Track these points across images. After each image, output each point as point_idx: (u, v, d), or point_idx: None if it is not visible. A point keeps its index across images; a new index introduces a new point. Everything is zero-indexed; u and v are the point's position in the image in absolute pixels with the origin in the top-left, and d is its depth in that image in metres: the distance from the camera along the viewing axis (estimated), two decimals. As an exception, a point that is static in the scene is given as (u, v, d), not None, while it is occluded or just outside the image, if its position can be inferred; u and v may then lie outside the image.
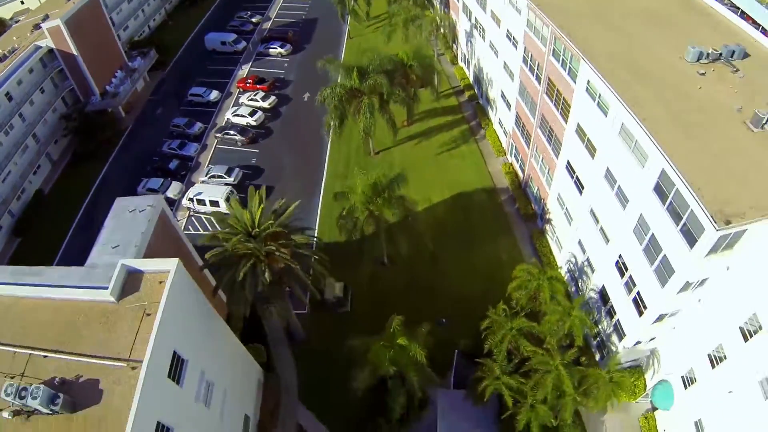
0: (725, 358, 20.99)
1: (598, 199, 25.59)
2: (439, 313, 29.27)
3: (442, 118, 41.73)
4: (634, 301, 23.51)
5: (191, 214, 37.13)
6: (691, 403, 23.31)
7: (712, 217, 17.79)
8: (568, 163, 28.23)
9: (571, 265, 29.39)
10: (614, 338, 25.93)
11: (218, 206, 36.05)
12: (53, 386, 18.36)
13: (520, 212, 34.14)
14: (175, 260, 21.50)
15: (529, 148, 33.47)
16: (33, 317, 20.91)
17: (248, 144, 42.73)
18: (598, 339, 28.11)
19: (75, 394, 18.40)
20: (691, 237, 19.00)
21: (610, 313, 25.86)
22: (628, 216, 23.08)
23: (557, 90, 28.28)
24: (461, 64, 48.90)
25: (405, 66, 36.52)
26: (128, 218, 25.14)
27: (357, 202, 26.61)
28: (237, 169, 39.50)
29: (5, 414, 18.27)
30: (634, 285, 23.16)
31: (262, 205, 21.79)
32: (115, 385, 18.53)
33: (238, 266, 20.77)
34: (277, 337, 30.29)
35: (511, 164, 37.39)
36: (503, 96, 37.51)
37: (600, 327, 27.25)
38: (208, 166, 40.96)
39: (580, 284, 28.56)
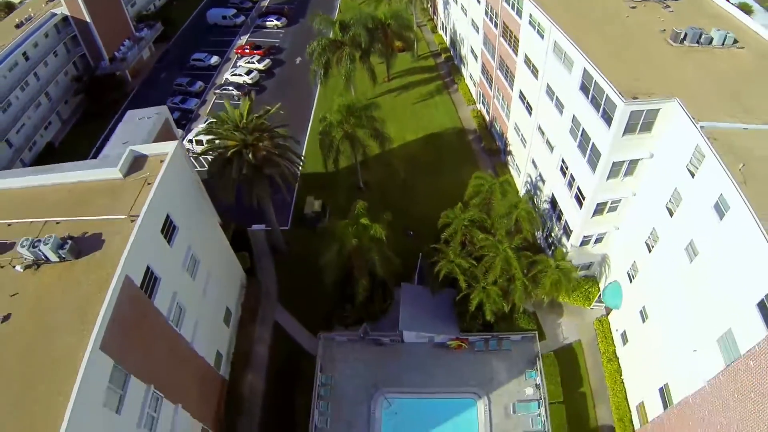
0: (658, 239, 23.76)
1: (543, 114, 29.08)
2: (408, 228, 32.68)
3: (420, 76, 45.57)
4: (576, 197, 26.53)
5: (190, 155, 40.75)
6: (636, 294, 26.02)
7: (620, 93, 21.21)
8: (521, 92, 31.77)
9: (529, 186, 32.59)
10: (564, 241, 28.90)
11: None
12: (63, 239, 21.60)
13: (485, 149, 37.66)
14: (175, 142, 25.01)
15: (491, 89, 37.11)
16: (50, 198, 24.13)
17: (244, 98, 46.71)
18: (552, 249, 31.11)
19: (81, 245, 21.65)
20: (608, 118, 22.26)
21: (560, 217, 28.94)
22: (564, 120, 26.42)
23: (510, 30, 32.08)
24: (440, 31, 53.19)
25: (384, 24, 40.71)
26: (137, 123, 28.83)
27: (333, 119, 30.19)
28: (232, 118, 43.30)
29: (18, 268, 21.40)
30: (574, 180, 26.24)
31: (249, 103, 25.45)
32: (116, 235, 21.64)
33: (227, 150, 24.25)
34: (262, 250, 33.44)
35: (479, 110, 41.05)
36: (472, 50, 41.29)
37: (553, 235, 30.35)
38: (206, 116, 44.80)
39: (536, 201, 31.68)
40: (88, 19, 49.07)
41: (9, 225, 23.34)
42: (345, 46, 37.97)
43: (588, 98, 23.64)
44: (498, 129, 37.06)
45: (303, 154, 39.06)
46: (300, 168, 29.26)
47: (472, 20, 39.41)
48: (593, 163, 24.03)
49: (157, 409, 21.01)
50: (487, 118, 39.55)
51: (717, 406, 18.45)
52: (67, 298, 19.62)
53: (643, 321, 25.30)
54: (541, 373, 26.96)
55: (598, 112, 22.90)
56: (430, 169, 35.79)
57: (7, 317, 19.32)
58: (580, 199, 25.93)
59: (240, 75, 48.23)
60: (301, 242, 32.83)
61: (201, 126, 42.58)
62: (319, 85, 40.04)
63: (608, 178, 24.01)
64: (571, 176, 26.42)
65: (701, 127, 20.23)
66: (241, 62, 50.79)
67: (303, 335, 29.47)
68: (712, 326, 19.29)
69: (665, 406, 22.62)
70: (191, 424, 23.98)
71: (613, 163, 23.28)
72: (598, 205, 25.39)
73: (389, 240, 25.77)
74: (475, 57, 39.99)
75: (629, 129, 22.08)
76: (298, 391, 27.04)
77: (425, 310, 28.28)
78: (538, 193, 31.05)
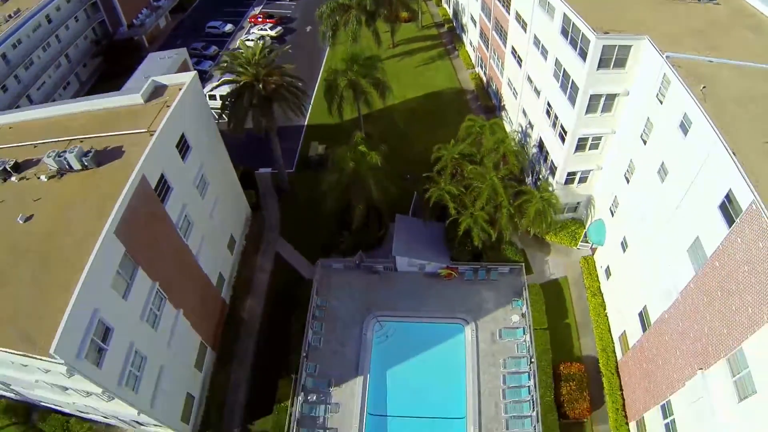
0: (635, 169, 25.91)
1: (531, 63, 31.83)
2: (406, 172, 35.27)
3: (423, 43, 48.66)
4: (560, 135, 28.97)
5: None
6: (617, 226, 28.15)
7: (592, 28, 23.72)
8: (512, 47, 34.60)
9: (520, 135, 35.05)
10: (551, 180, 30.94)
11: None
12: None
13: (482, 106, 40.45)
14: (193, 73, 27.88)
15: (488, 50, 39.94)
16: (76, 123, 26.64)
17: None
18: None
19: (103, 157, 24.33)
20: (584, 54, 24.77)
21: (546, 157, 31.40)
22: (548, 65, 28.94)
23: (502, -10, 35.19)
24: (444, 5, 56.56)
25: (389, -9, 43.86)
26: (158, 62, 31.97)
27: (338, 67, 33.03)
28: (243, 77, 46.51)
29: (42, 178, 24.06)
30: (558, 119, 28.72)
31: (261, 43, 28.47)
32: (135, 147, 24.18)
33: (239, 84, 27.22)
34: (267, 191, 36.22)
35: (477, 73, 43.97)
36: (471, 17, 44.23)
37: (541, 177, 32.67)
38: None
39: (526, 148, 34.10)
40: (108, -15, 52.90)
41: (35, 146, 26.21)
42: (352, 9, 41.02)
43: (567, 40, 26.27)
44: (494, 88, 39.81)
45: (309, 109, 42.09)
46: (307, 109, 32.01)
47: (472, -13, 42.51)
48: (573, 98, 26.56)
49: (160, 307, 23.66)
50: (484, 79, 42.39)
51: (689, 314, 20.59)
52: (86, 198, 22.23)
53: (624, 251, 27.48)
54: (527, 303, 29.15)
55: (576, 50, 25.49)
56: (429, 123, 38.49)
57: (29, 217, 21.95)
58: (563, 135, 28.40)
59: (253, 41, 51.21)
60: (304, 183, 35.66)
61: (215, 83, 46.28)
62: (327, 49, 43.11)
63: (587, 112, 26.46)
64: (555, 116, 28.94)
65: (667, 56, 22.72)
66: (254, 30, 54.26)
67: (303, 264, 32.10)
68: (682, 238, 21.39)
69: (644, 329, 24.76)
70: (191, 334, 26.65)
71: (591, 96, 25.72)
72: (579, 140, 27.79)
73: (386, 171, 28.40)
74: (474, 23, 42.91)
75: (603, 63, 24.55)
76: (295, 315, 29.42)
77: (418, 239, 30.77)
78: (528, 140, 33.59)
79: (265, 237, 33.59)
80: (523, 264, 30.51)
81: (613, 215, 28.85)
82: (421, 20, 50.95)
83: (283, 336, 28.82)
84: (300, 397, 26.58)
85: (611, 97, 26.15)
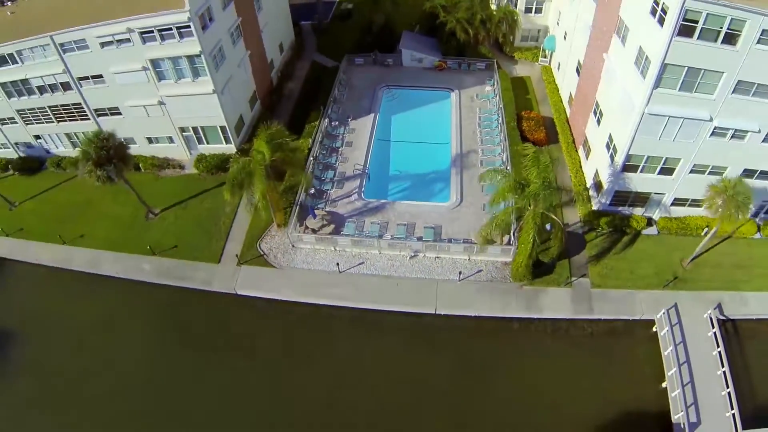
0: None
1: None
2: (412, 22, 50.51)
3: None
4: (519, -27, 44.79)
5: None
6: (561, 30, 42.12)
7: None
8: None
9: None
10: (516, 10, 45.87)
11: None
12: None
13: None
14: None
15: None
16: None
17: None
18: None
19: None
20: None
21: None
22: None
23: None
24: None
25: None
26: None
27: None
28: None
29: None
30: (521, -38, 44.73)
31: None
32: None
33: None
34: (307, 32, 51.43)
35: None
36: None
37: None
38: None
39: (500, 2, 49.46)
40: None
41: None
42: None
43: None
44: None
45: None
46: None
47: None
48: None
49: (237, 37, 37.44)
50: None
51: (596, 31, 33.87)
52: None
53: (565, 39, 41.47)
54: (497, 83, 42.63)
55: None
56: (431, 4, 54.93)
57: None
58: (522, -27, 44.14)
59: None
60: (336, 28, 51.33)
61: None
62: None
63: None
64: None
65: None
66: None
67: (332, 64, 46.13)
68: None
69: (579, 75, 37.69)
70: (250, 77, 39.95)
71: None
72: (531, -28, 43.57)
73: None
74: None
75: None
76: (324, 87, 42.85)
77: (419, 43, 45.34)
78: (502, -2, 49.32)
79: (305, 51, 48.32)
80: (495, 61, 44.56)
81: (558, 24, 43.29)
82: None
83: (314, 98, 41.90)
84: (326, 120, 39.15)
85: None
